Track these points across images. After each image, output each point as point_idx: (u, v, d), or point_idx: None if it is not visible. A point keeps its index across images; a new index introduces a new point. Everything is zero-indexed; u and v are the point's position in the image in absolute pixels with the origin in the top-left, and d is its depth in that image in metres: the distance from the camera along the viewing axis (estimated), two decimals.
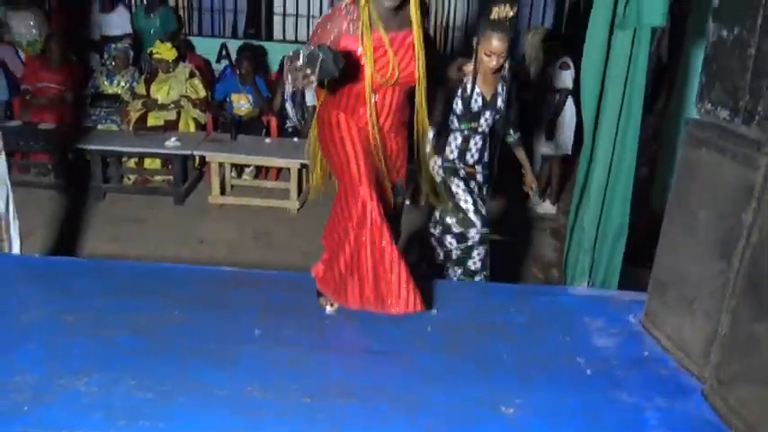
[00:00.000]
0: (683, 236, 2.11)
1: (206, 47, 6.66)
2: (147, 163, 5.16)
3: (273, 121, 5.57)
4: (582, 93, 2.42)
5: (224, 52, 6.65)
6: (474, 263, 3.01)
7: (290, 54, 1.88)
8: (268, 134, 5.54)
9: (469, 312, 2.43)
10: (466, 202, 2.94)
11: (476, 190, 3.02)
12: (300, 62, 1.84)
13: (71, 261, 2.69)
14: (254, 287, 2.48)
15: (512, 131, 3.15)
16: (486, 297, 2.62)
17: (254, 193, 5.21)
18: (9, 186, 2.57)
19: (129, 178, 5.23)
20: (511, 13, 2.68)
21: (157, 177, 5.22)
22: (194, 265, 2.71)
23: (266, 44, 6.52)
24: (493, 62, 2.77)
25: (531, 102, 5.41)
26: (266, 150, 5.05)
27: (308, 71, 1.84)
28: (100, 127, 5.31)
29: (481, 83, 2.89)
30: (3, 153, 2.51)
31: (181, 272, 2.60)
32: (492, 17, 2.68)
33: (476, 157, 3.03)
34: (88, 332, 2.05)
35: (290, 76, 1.89)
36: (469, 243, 2.96)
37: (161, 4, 6.36)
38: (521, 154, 3.22)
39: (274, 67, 6.30)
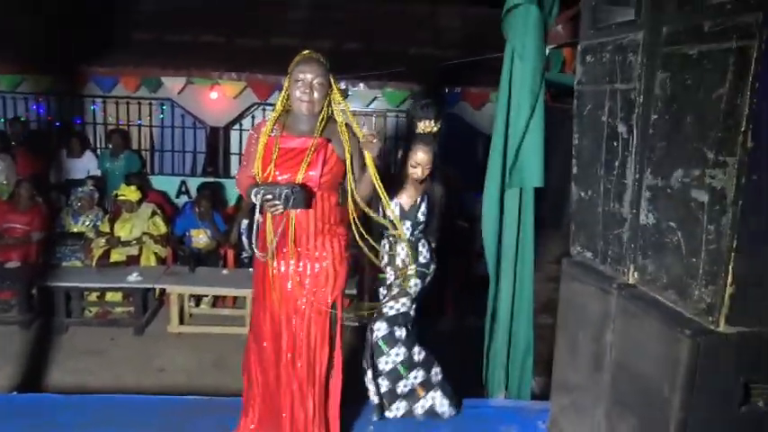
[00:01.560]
0: (569, 353, 2.58)
1: (166, 184, 7.12)
2: (109, 296, 5.41)
3: (230, 253, 5.95)
4: (484, 240, 2.90)
5: (183, 189, 7.13)
6: (405, 384, 2.93)
7: (264, 192, 2.18)
8: (225, 265, 5.91)
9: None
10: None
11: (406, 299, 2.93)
12: (274, 199, 2.18)
13: (47, 397, 2.98)
14: (211, 413, 2.81)
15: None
16: None
17: (212, 320, 5.48)
18: None
19: (90, 311, 5.43)
20: (435, 128, 2.91)
21: (118, 309, 5.44)
22: (156, 396, 3.01)
23: (224, 180, 7.02)
24: (418, 173, 2.89)
25: (468, 228, 6.01)
26: (223, 281, 5.41)
27: (279, 204, 2.19)
28: (65, 264, 5.57)
29: (403, 192, 2.97)
30: None
31: (143, 402, 2.91)
32: (417, 131, 2.91)
33: (406, 261, 2.97)
34: None
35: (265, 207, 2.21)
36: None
37: (125, 148, 6.90)
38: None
39: (231, 200, 6.77)
